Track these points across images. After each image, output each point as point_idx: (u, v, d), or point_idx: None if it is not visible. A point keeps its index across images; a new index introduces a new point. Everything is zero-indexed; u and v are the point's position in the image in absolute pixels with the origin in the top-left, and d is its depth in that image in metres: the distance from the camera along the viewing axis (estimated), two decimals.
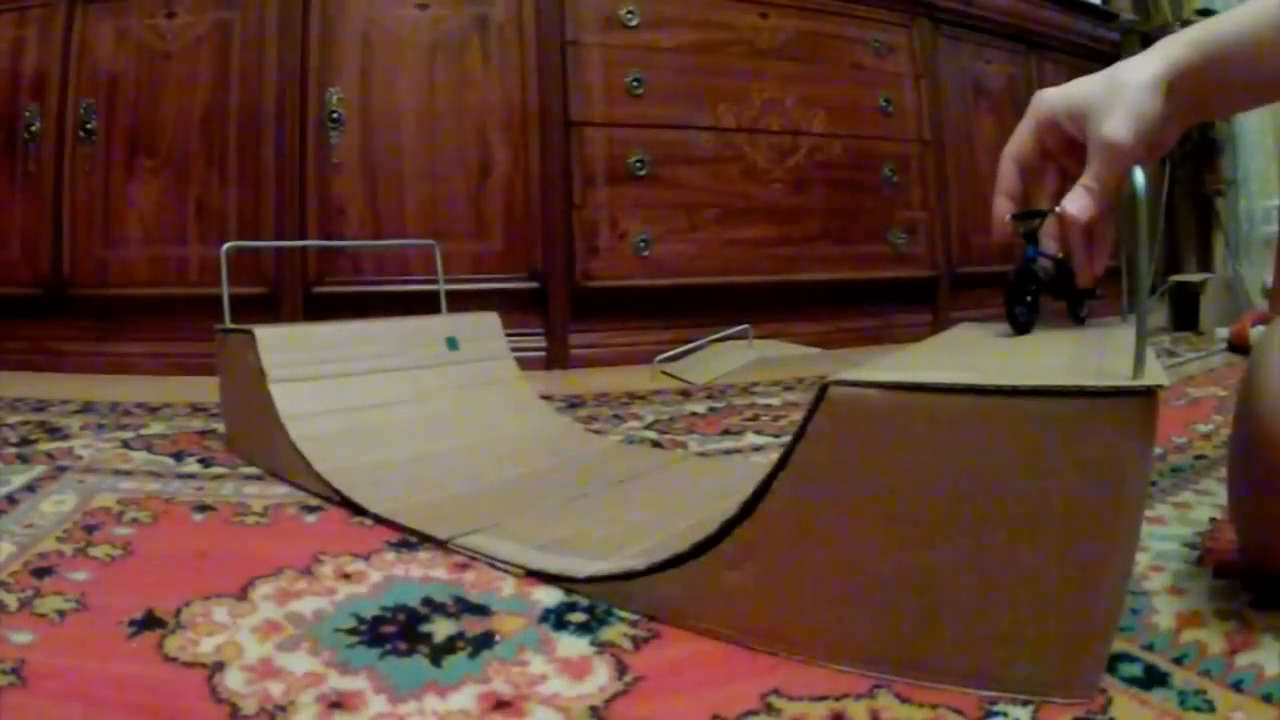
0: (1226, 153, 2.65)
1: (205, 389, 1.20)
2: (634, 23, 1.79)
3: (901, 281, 2.10)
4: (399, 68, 1.70)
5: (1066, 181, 0.61)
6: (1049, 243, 0.64)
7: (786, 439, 0.45)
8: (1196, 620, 0.47)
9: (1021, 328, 0.63)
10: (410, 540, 0.66)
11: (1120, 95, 0.56)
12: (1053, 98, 0.60)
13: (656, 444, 1.01)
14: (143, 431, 1.09)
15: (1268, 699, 0.39)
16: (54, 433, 1.07)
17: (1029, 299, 0.63)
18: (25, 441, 1.02)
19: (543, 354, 1.75)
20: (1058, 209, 0.59)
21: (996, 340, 0.62)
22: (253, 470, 0.88)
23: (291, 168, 1.66)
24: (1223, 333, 1.94)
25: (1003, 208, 0.62)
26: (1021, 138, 0.61)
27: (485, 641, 0.48)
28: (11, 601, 0.53)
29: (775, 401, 1.28)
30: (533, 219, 1.75)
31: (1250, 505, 0.50)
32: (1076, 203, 0.57)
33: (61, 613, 0.52)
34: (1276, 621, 0.46)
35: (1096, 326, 0.68)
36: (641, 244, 1.77)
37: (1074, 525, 0.39)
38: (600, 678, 0.44)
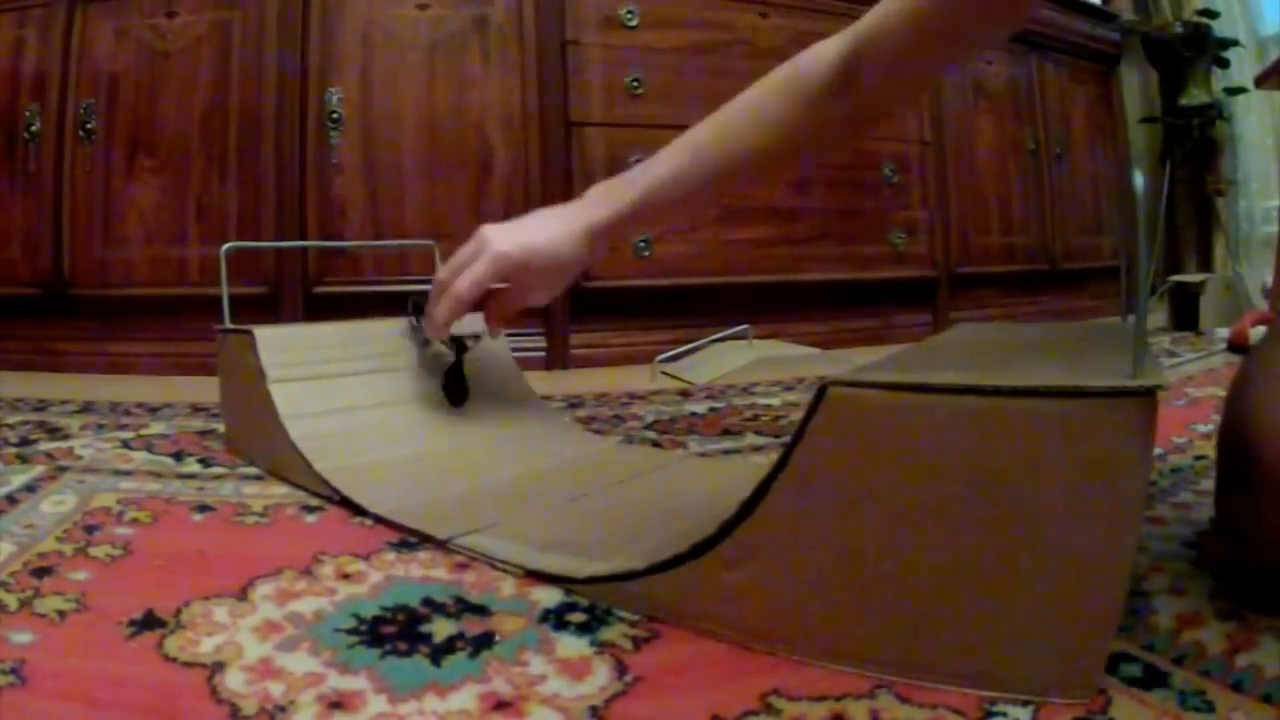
0: (1226, 153, 2.65)
1: (205, 389, 1.20)
2: (634, 23, 1.79)
3: (901, 281, 2.10)
4: (399, 68, 1.70)
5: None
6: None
7: (786, 439, 0.45)
8: (1196, 620, 0.47)
9: (457, 402, 0.91)
10: (410, 540, 0.66)
11: (555, 275, 0.77)
12: (511, 259, 0.76)
13: (656, 444, 1.01)
14: (143, 431, 1.09)
15: (1268, 699, 0.39)
16: (54, 433, 1.07)
17: (459, 382, 0.92)
18: (25, 441, 1.02)
19: (543, 354, 1.75)
20: (491, 334, 0.85)
21: (996, 340, 0.62)
22: (253, 470, 0.88)
23: (291, 168, 1.66)
24: (1223, 333, 1.94)
25: (444, 327, 0.81)
26: (477, 288, 0.77)
27: (485, 641, 0.48)
28: (11, 601, 0.53)
29: (775, 401, 1.28)
30: None
31: (1244, 510, 0.49)
32: (494, 322, 0.83)
33: (61, 613, 0.52)
34: (1277, 622, 0.46)
35: (1096, 327, 0.68)
36: (641, 244, 1.77)
37: (1074, 525, 0.39)
38: (600, 678, 0.44)
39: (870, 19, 0.63)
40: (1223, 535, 0.53)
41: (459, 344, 0.88)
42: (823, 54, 0.67)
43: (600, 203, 0.75)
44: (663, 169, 0.72)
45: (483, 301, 0.80)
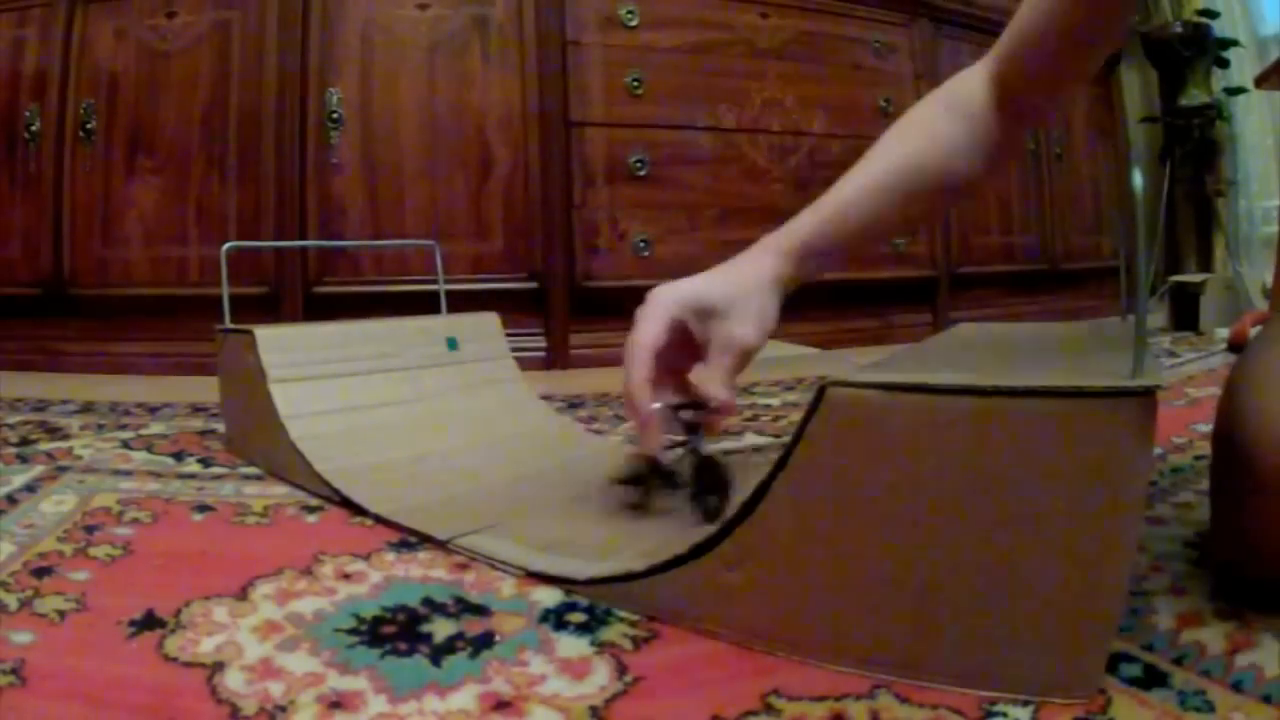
0: (1226, 153, 2.65)
1: (205, 389, 1.20)
2: (634, 23, 1.79)
3: (901, 281, 2.10)
4: (399, 68, 1.70)
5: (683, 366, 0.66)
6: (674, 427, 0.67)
7: (786, 439, 0.45)
8: (1196, 620, 0.47)
9: (714, 515, 0.63)
10: (410, 540, 0.66)
11: (747, 302, 0.65)
12: (680, 298, 0.64)
13: None
14: (143, 431, 1.09)
15: (1268, 699, 0.39)
16: (54, 433, 1.07)
17: (714, 484, 0.65)
18: (25, 441, 1.02)
19: (543, 354, 1.75)
20: (715, 400, 0.63)
21: (996, 340, 0.62)
22: (253, 470, 0.88)
23: (291, 168, 1.66)
24: (1223, 333, 1.94)
25: (646, 393, 0.63)
26: (655, 332, 0.64)
27: (485, 641, 0.48)
28: (11, 601, 0.53)
29: (775, 401, 1.28)
30: (533, 219, 1.75)
31: (1237, 511, 0.49)
32: (725, 391, 0.63)
33: (61, 613, 0.52)
34: (1277, 621, 0.46)
35: (1096, 326, 0.69)
36: (641, 244, 1.77)
37: (1074, 525, 0.39)
38: (600, 678, 0.44)
39: (1007, 34, 0.66)
40: (1218, 536, 0.53)
41: (686, 425, 0.67)
42: (970, 76, 0.69)
43: (782, 230, 0.70)
44: (845, 187, 0.69)
45: (692, 366, 0.66)
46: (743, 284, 0.65)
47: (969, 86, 0.68)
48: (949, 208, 0.75)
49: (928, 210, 0.72)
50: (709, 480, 0.65)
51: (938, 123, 0.69)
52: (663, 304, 0.64)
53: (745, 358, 0.64)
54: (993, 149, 0.69)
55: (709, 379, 0.63)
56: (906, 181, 0.68)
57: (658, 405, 0.63)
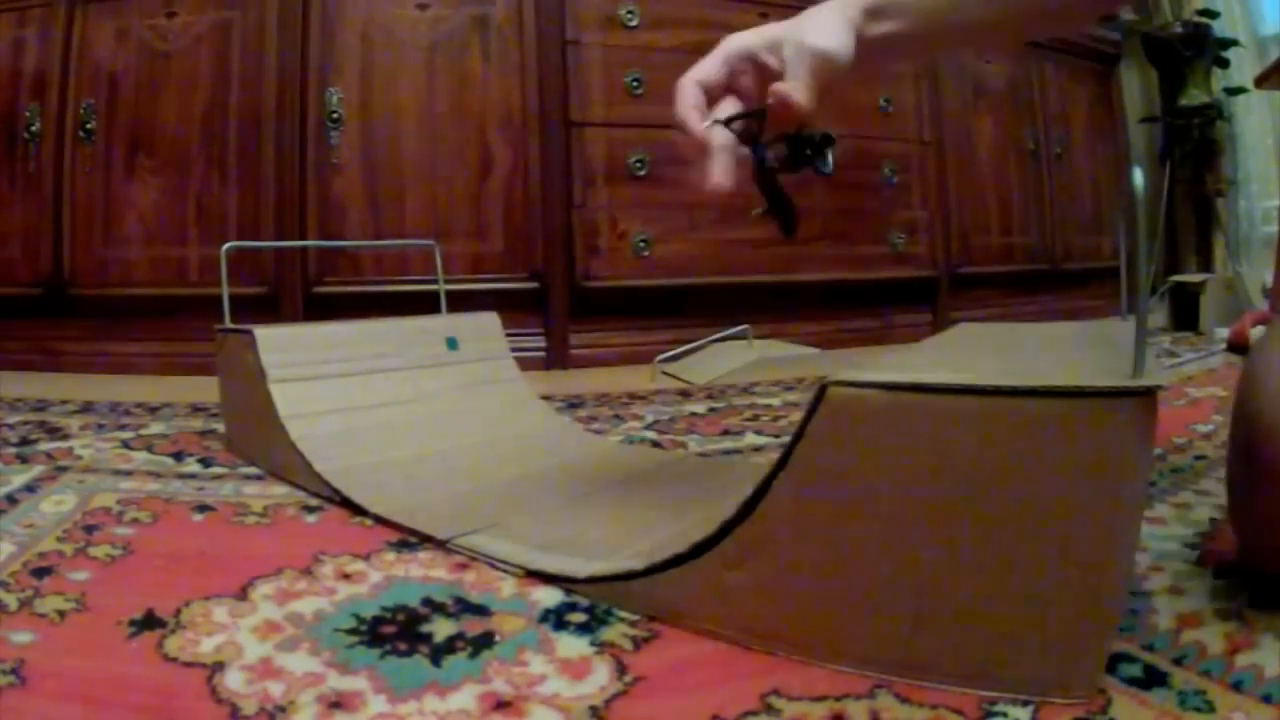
0: (1226, 153, 2.65)
1: (205, 389, 1.20)
2: (634, 23, 1.79)
3: (901, 281, 2.10)
4: (399, 68, 1.70)
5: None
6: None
7: (786, 439, 0.45)
8: (1196, 620, 0.47)
9: (789, 228, 0.61)
10: (410, 540, 0.66)
11: (818, 21, 0.58)
12: (746, 35, 0.60)
13: (656, 444, 1.01)
14: (143, 431, 1.09)
15: (1267, 699, 0.39)
16: (54, 433, 1.07)
17: (776, 196, 0.61)
18: (25, 441, 1.02)
19: (543, 354, 1.75)
20: (773, 91, 0.56)
21: (996, 340, 0.62)
22: (253, 470, 0.88)
23: (291, 168, 1.66)
24: (1223, 333, 1.94)
25: (694, 116, 0.58)
26: (707, 65, 0.60)
27: (485, 641, 0.48)
28: (11, 601, 0.53)
29: (775, 401, 1.28)
30: (533, 219, 1.75)
31: (1248, 505, 0.50)
32: (788, 84, 0.56)
33: (61, 613, 0.52)
34: (1277, 621, 0.46)
35: (1096, 326, 0.68)
36: (641, 244, 1.77)
37: (1074, 525, 0.39)
38: (600, 678, 0.44)
39: None
40: (1234, 534, 0.53)
41: (751, 140, 0.59)
42: None
43: None
44: None
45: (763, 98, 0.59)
46: (812, 14, 0.59)
47: None
48: (1041, 28, 0.63)
49: (1019, 17, 0.63)
50: (772, 192, 0.60)
51: None
52: (723, 43, 0.60)
53: (824, 65, 0.56)
54: None
55: (781, 84, 0.56)
56: None
57: (708, 122, 0.57)
